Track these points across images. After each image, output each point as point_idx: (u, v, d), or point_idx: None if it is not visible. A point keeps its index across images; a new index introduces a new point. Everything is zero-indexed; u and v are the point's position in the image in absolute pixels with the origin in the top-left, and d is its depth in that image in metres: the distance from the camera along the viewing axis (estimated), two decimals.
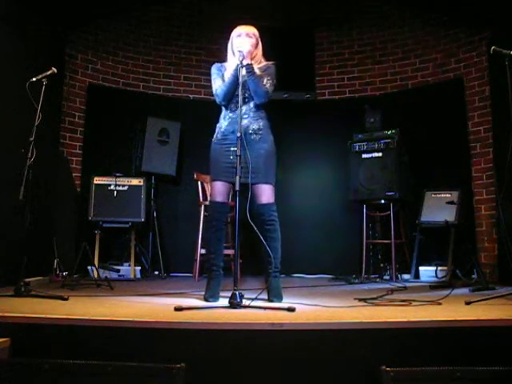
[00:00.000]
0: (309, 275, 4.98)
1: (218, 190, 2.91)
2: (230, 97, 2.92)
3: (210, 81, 3.09)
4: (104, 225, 4.47)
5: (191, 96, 5.57)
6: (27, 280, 3.09)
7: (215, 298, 2.78)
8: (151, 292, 3.27)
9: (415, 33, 5.27)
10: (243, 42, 2.92)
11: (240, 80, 2.74)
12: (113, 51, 5.29)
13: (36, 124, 2.98)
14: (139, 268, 4.60)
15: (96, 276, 3.83)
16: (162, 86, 5.50)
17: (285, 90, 5.22)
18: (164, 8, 5.46)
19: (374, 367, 1.78)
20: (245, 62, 2.83)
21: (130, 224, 4.55)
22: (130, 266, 4.51)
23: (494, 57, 2.92)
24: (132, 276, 4.46)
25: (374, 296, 2.85)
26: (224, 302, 2.51)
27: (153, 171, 4.96)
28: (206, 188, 4.70)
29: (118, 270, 4.43)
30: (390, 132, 4.74)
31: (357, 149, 4.85)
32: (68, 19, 4.61)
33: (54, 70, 3.16)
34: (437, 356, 1.94)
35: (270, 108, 3.07)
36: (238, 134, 2.62)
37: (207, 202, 4.40)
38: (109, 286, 3.44)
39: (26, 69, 3.63)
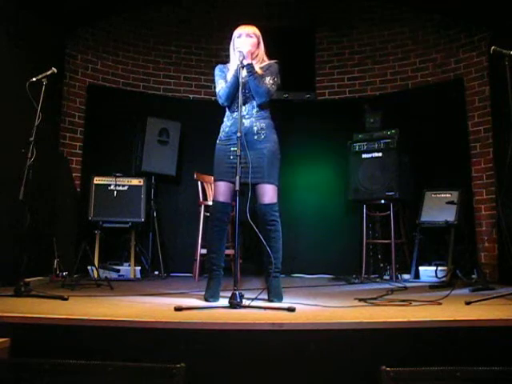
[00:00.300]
0: (309, 275, 4.98)
1: (220, 190, 2.91)
2: (233, 98, 2.92)
3: (210, 81, 3.11)
4: (104, 225, 4.47)
5: (191, 96, 5.57)
6: (27, 280, 3.09)
7: (215, 298, 2.78)
8: (151, 292, 3.27)
9: (415, 33, 5.28)
10: (243, 42, 2.92)
11: (240, 80, 2.74)
12: (113, 51, 5.29)
13: (36, 124, 2.98)
14: (139, 268, 4.60)
15: (96, 276, 3.83)
16: (161, 86, 5.50)
17: (285, 90, 5.22)
18: (164, 8, 5.46)
19: (374, 367, 1.78)
20: (245, 62, 2.83)
21: (130, 224, 4.55)
22: (130, 265, 4.51)
23: (494, 57, 2.93)
24: (132, 276, 4.46)
25: (374, 296, 2.86)
26: (224, 302, 2.51)
27: (153, 171, 4.96)
28: (206, 188, 4.70)
29: (118, 270, 4.43)
30: (389, 132, 4.74)
31: (357, 149, 4.85)
32: (68, 19, 4.61)
33: (54, 70, 3.16)
34: (437, 356, 1.94)
35: (271, 108, 3.07)
36: (238, 134, 2.62)
37: (207, 202, 4.42)
38: (109, 286, 3.44)
39: (26, 69, 3.63)
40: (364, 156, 4.80)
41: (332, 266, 4.88)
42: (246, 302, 2.43)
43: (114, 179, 4.57)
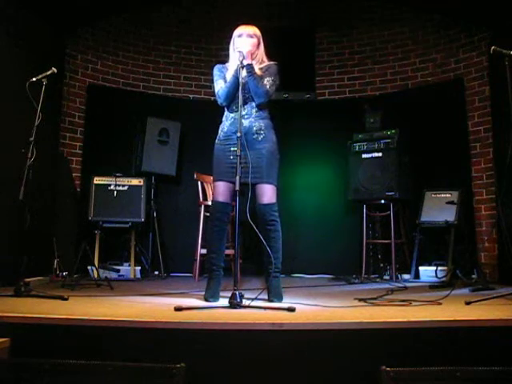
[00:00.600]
0: (309, 275, 4.98)
1: (219, 191, 2.91)
2: (232, 98, 2.92)
3: (210, 81, 3.10)
4: (104, 225, 4.47)
5: (191, 96, 5.57)
6: (27, 280, 3.09)
7: (215, 298, 2.78)
8: (151, 292, 3.27)
9: (415, 33, 5.28)
10: (243, 42, 2.92)
11: (240, 80, 2.74)
12: (113, 51, 5.29)
13: (36, 124, 2.98)
14: (139, 268, 4.60)
15: (96, 276, 3.83)
16: (162, 86, 5.50)
17: (285, 90, 5.23)
18: (164, 8, 5.46)
19: (374, 367, 1.78)
20: (245, 62, 2.83)
21: (130, 224, 4.55)
22: (130, 265, 4.51)
23: (493, 57, 2.93)
24: (132, 276, 4.46)
25: (374, 296, 2.86)
26: (224, 302, 2.52)
27: (153, 171, 4.96)
28: (206, 188, 4.70)
29: (118, 270, 4.43)
30: (389, 132, 4.74)
31: (357, 149, 4.86)
32: (68, 19, 4.61)
33: (54, 70, 3.16)
34: (437, 356, 1.94)
35: (270, 108, 3.07)
36: (238, 134, 2.62)
37: (207, 202, 4.42)
38: (109, 286, 3.44)
39: (26, 69, 3.63)
40: (364, 156, 4.80)
41: (332, 266, 4.88)
42: (246, 302, 2.43)
43: (114, 179, 4.57)
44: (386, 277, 4.60)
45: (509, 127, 2.94)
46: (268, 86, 2.91)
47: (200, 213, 4.49)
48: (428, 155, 4.87)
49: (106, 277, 3.91)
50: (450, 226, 4.37)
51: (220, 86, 2.95)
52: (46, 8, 4.14)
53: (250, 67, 2.86)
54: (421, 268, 4.52)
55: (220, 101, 2.96)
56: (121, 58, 5.33)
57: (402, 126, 4.76)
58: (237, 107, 2.90)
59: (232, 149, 2.83)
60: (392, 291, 3.26)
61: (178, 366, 1.75)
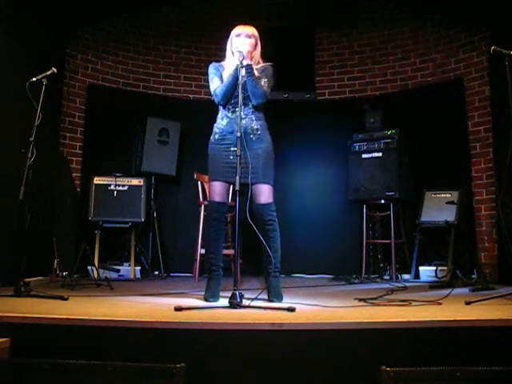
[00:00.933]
0: (309, 275, 4.98)
1: (216, 190, 2.91)
2: (229, 97, 2.92)
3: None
4: (104, 225, 4.47)
5: (191, 96, 5.57)
6: (27, 280, 3.09)
7: (215, 298, 2.78)
8: (151, 292, 3.27)
9: (415, 33, 5.28)
10: (243, 42, 2.92)
11: (240, 80, 2.74)
12: (113, 51, 5.29)
13: (36, 124, 2.98)
14: (139, 268, 4.61)
15: (96, 276, 3.83)
16: (162, 86, 5.50)
17: (285, 89, 5.23)
18: (164, 8, 5.46)
19: (374, 367, 1.78)
20: (245, 63, 2.82)
21: (129, 224, 4.56)
22: (130, 265, 4.52)
23: (494, 57, 2.93)
24: (132, 276, 4.46)
25: (374, 296, 2.85)
26: (224, 302, 2.52)
27: (153, 171, 4.96)
28: (206, 188, 4.69)
29: (118, 270, 4.43)
30: (390, 132, 4.74)
31: (357, 149, 4.86)
32: (68, 19, 4.60)
33: (54, 70, 3.16)
34: (437, 356, 1.94)
35: (270, 108, 3.07)
36: (238, 134, 2.62)
37: (207, 202, 4.41)
38: (109, 286, 3.44)
39: (26, 69, 3.63)
40: (364, 156, 4.80)
41: (332, 266, 4.88)
42: (246, 302, 2.43)
43: (114, 179, 4.57)
44: (386, 277, 4.60)
45: (509, 127, 2.94)
46: (265, 88, 2.92)
47: (200, 213, 4.49)
48: (428, 155, 4.87)
49: (106, 277, 3.91)
50: (450, 225, 4.37)
51: (217, 85, 2.94)
52: (46, 8, 4.14)
53: (249, 68, 2.86)
54: (421, 268, 4.52)
55: (217, 99, 2.96)
56: (121, 58, 5.33)
57: (402, 126, 4.76)
58: (233, 107, 2.91)
59: (232, 148, 2.82)
60: (392, 291, 3.26)
61: (178, 366, 1.75)
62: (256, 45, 2.99)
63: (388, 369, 1.75)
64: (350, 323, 2.02)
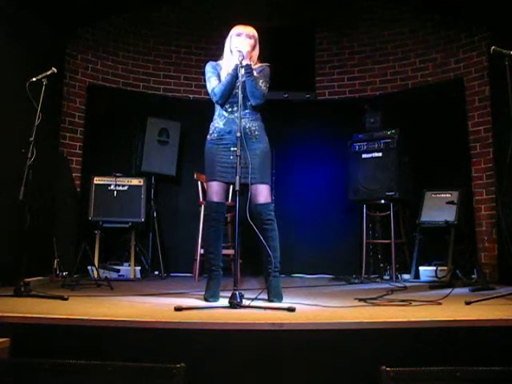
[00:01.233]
0: (309, 275, 4.98)
1: (214, 190, 2.91)
2: (228, 96, 2.92)
3: None
4: (104, 225, 4.47)
5: (191, 96, 5.57)
6: (27, 280, 3.09)
7: (215, 297, 2.78)
8: (151, 292, 3.27)
9: (415, 33, 5.27)
10: (243, 42, 2.91)
11: (240, 80, 2.74)
12: (113, 51, 5.29)
13: (36, 124, 2.98)
14: (139, 268, 4.60)
15: (96, 276, 3.83)
16: (162, 86, 5.50)
17: (285, 89, 5.23)
18: (164, 8, 5.46)
19: (374, 367, 1.78)
20: (244, 63, 2.82)
21: (129, 224, 4.56)
22: (130, 266, 4.51)
23: (494, 57, 2.92)
24: (132, 276, 4.46)
25: (374, 296, 2.85)
26: (224, 302, 2.52)
27: (153, 171, 4.96)
28: (206, 188, 4.70)
29: (118, 270, 4.43)
30: (390, 132, 4.74)
31: (357, 149, 4.85)
32: (68, 19, 4.60)
33: (54, 70, 3.16)
34: (437, 356, 1.94)
35: (269, 108, 3.07)
36: (238, 134, 2.61)
37: (206, 202, 4.41)
38: (109, 286, 3.44)
39: (26, 69, 3.63)
40: (364, 156, 4.80)
41: (332, 266, 4.88)
42: (246, 302, 2.43)
43: (114, 179, 4.57)
44: (386, 277, 4.60)
45: (509, 127, 2.94)
46: (264, 88, 2.92)
47: (200, 213, 4.48)
48: (428, 155, 4.87)
49: (106, 277, 3.91)
50: (450, 225, 4.37)
51: (215, 84, 2.94)
52: (46, 8, 4.13)
53: (249, 68, 2.86)
54: (421, 268, 4.52)
55: (215, 98, 2.95)
56: (121, 58, 5.33)
57: (402, 126, 4.76)
58: (231, 107, 2.92)
59: (232, 149, 2.82)
60: (392, 291, 3.26)
61: (178, 365, 1.75)
62: (255, 46, 2.99)
63: (388, 369, 1.75)
64: (350, 323, 2.02)
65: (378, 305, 2.62)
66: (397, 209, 4.72)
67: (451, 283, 3.59)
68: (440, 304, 2.60)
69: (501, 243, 4.18)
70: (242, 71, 2.80)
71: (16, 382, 1.80)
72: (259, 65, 3.02)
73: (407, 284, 3.97)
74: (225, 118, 2.94)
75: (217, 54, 3.15)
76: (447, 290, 2.97)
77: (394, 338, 1.98)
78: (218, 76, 2.97)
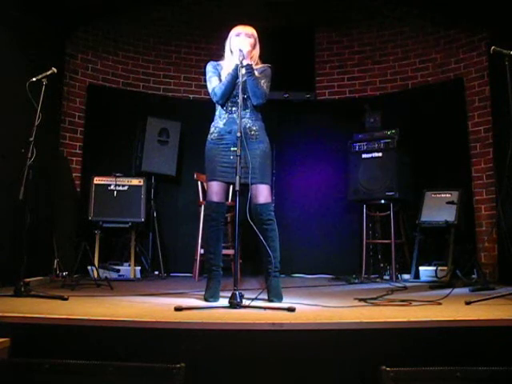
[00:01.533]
0: (309, 275, 4.98)
1: (214, 190, 2.91)
2: (228, 96, 2.92)
3: None
4: (104, 225, 4.47)
5: (191, 96, 5.57)
6: (27, 280, 3.09)
7: (215, 298, 2.78)
8: (151, 292, 3.27)
9: (415, 33, 5.28)
10: (243, 41, 2.91)
11: (241, 80, 2.74)
12: (113, 51, 5.29)
13: (36, 124, 2.98)
14: (139, 268, 4.60)
15: (96, 276, 3.83)
16: (162, 86, 5.50)
17: (285, 89, 5.23)
18: (164, 8, 5.46)
19: (374, 367, 1.78)
20: (245, 62, 2.82)
21: (129, 224, 4.55)
22: (130, 265, 4.51)
23: (493, 57, 2.92)
24: (132, 276, 4.46)
25: (374, 296, 2.85)
26: (224, 302, 2.52)
27: (153, 171, 4.96)
28: (206, 188, 4.70)
29: (118, 270, 4.43)
30: (390, 132, 4.74)
31: (357, 149, 4.85)
32: (68, 19, 4.60)
33: (54, 70, 3.16)
34: (437, 356, 1.94)
35: (270, 108, 3.07)
36: (239, 134, 2.61)
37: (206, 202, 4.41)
38: (109, 286, 3.44)
39: (26, 69, 3.63)
40: (364, 156, 4.80)
41: (332, 266, 4.88)
42: (246, 302, 2.43)
43: (114, 179, 4.57)
44: (386, 277, 4.60)
45: (509, 127, 2.94)
46: (265, 88, 2.92)
47: (200, 213, 4.48)
48: (428, 155, 4.87)
49: (106, 277, 3.91)
50: (450, 225, 4.37)
51: (216, 84, 2.94)
52: (46, 8, 4.13)
53: (249, 67, 2.86)
54: (421, 268, 4.52)
55: (216, 98, 2.95)
56: (121, 58, 5.33)
57: (402, 126, 4.76)
58: (231, 106, 2.92)
59: (232, 148, 2.82)
60: (392, 291, 3.26)
61: (178, 365, 1.75)
62: (255, 45, 2.99)
63: (388, 369, 1.75)
64: (350, 323, 2.02)
65: (378, 305, 2.62)
66: (397, 209, 4.72)
67: (451, 283, 3.58)
68: (440, 304, 2.60)
69: (501, 243, 4.18)
70: (243, 71, 2.80)
71: (16, 382, 1.80)
72: (261, 65, 3.02)
73: (407, 284, 3.98)
74: (225, 117, 2.95)
75: (217, 54, 3.16)
76: (447, 290, 2.97)
77: (394, 338, 1.98)
78: (219, 76, 2.97)
